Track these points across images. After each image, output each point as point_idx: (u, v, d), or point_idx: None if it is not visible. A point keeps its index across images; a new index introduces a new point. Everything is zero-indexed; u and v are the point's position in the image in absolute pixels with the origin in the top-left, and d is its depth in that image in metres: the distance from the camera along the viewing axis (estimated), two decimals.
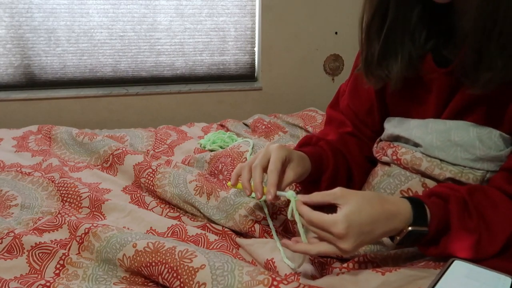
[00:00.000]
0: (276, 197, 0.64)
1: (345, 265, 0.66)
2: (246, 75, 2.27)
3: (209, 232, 0.81)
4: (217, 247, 0.75)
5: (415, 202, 0.59)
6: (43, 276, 0.70)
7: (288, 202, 0.62)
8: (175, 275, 0.61)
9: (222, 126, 1.59)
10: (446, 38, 0.69)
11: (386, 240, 0.70)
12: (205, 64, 2.19)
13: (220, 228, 0.83)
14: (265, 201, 0.79)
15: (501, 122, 0.64)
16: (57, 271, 0.71)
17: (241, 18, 2.15)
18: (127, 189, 1.02)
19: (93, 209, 0.91)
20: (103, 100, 2.06)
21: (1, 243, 0.75)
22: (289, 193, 0.62)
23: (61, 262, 0.72)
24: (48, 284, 0.65)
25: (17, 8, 1.88)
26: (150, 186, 0.97)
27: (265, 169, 0.67)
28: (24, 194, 0.97)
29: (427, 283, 0.52)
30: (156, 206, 0.94)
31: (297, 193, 0.63)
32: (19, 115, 1.97)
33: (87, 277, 0.69)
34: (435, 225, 0.57)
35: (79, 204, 0.92)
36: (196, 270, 0.59)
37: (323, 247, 0.57)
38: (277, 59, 2.21)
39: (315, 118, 1.58)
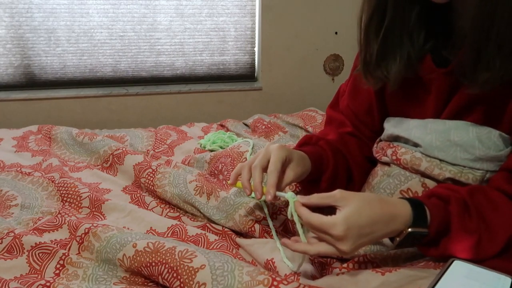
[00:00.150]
0: (276, 198, 0.64)
1: (345, 265, 0.66)
2: (246, 75, 2.27)
3: (209, 232, 0.81)
4: (217, 247, 0.75)
5: (415, 203, 0.59)
6: (43, 276, 0.70)
7: (288, 202, 0.62)
8: (175, 275, 0.61)
9: (222, 126, 1.58)
10: (445, 38, 0.69)
11: (386, 240, 0.69)
12: (205, 64, 2.19)
13: (220, 228, 0.83)
14: (265, 201, 0.79)
15: (501, 122, 0.64)
16: (57, 271, 0.71)
17: (241, 18, 2.15)
18: (127, 189, 1.02)
19: (93, 209, 0.91)
20: (103, 100, 2.06)
21: (1, 243, 0.75)
22: (289, 194, 0.62)
23: (61, 262, 0.72)
24: (48, 284, 0.65)
25: (17, 8, 1.88)
26: (150, 186, 0.97)
27: (265, 169, 0.68)
28: (24, 194, 0.97)
29: (427, 283, 0.52)
30: (156, 206, 0.94)
31: (297, 193, 0.63)
32: (19, 115, 1.97)
33: (87, 277, 0.69)
34: (435, 227, 0.57)
35: (79, 204, 0.92)
36: (196, 270, 0.59)
37: (323, 248, 0.57)
38: (277, 59, 2.21)
39: (315, 118, 1.58)
